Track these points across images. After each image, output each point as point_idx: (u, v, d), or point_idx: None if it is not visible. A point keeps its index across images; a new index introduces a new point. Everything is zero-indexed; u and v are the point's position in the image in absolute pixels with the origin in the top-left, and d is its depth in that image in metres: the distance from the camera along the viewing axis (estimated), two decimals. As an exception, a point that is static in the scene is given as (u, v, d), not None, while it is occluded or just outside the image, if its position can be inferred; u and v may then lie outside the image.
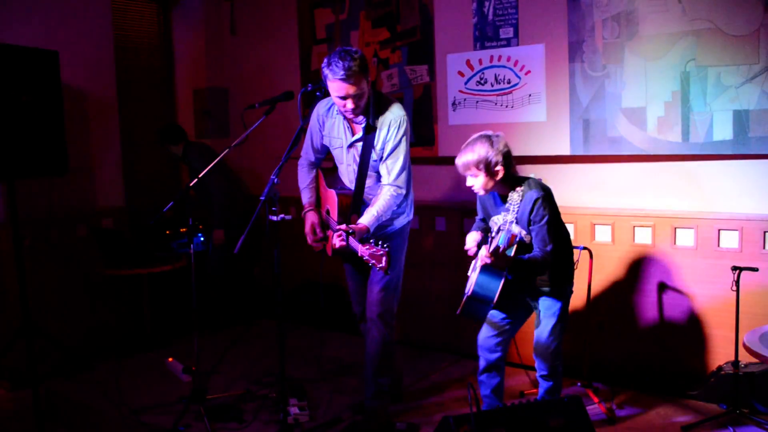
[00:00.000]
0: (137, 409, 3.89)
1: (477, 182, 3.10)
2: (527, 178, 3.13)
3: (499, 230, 3.17)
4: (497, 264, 2.98)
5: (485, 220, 3.36)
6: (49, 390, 4.20)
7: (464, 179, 3.15)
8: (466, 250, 3.26)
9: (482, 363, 3.33)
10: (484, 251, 3.03)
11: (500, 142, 3.06)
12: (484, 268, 3.06)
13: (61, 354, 4.58)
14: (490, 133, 3.10)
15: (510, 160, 3.08)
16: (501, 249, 2.96)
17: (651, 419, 3.59)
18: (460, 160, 3.10)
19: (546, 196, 3.06)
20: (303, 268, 5.45)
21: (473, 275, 3.17)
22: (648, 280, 3.96)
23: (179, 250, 5.16)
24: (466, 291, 3.16)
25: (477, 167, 3.05)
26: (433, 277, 4.78)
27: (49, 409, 4.04)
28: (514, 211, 3.08)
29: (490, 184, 3.09)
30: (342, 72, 3.16)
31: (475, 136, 3.11)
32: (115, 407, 3.93)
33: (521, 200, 3.07)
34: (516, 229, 3.09)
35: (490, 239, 3.23)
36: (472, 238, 3.28)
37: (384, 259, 2.93)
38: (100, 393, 4.15)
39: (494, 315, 3.29)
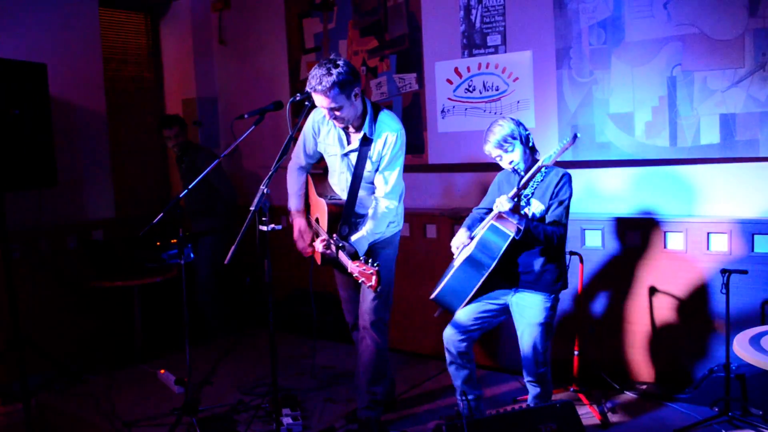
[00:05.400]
0: (129, 421, 3.87)
1: (515, 156, 3.16)
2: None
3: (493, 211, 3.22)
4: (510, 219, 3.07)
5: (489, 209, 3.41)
6: (41, 403, 4.18)
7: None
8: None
9: (447, 356, 3.35)
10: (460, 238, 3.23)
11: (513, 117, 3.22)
12: (468, 260, 3.16)
13: (52, 367, 4.55)
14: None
15: None
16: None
17: (643, 423, 3.59)
18: (493, 140, 3.15)
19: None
20: (294, 277, 5.44)
21: (452, 269, 3.26)
22: (639, 284, 3.97)
23: (170, 261, 5.13)
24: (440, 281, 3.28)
25: (513, 137, 3.13)
26: (424, 284, 4.77)
27: (41, 423, 4.02)
28: (533, 186, 3.15)
29: (526, 152, 3.17)
30: (314, 83, 3.13)
31: (490, 124, 3.21)
32: (108, 420, 3.91)
33: (543, 176, 3.15)
34: (535, 206, 3.16)
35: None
36: (458, 241, 3.36)
37: (374, 278, 2.93)
38: (92, 406, 4.13)
39: (462, 314, 3.31)
